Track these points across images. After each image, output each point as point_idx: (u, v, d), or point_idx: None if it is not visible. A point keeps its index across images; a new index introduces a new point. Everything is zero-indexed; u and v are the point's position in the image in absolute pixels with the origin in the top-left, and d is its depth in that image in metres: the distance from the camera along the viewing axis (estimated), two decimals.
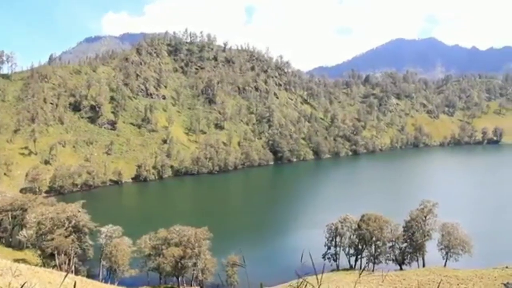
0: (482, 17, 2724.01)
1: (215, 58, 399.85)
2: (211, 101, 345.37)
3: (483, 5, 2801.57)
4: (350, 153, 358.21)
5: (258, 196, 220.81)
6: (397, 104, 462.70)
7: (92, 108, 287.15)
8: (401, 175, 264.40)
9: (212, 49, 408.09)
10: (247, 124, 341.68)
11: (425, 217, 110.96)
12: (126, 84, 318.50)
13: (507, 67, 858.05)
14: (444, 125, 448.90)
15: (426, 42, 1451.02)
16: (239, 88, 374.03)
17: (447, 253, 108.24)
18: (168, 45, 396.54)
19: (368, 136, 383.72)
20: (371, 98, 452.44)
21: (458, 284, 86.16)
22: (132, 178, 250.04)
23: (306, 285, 6.91)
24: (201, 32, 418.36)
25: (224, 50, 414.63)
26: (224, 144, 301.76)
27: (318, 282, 7.02)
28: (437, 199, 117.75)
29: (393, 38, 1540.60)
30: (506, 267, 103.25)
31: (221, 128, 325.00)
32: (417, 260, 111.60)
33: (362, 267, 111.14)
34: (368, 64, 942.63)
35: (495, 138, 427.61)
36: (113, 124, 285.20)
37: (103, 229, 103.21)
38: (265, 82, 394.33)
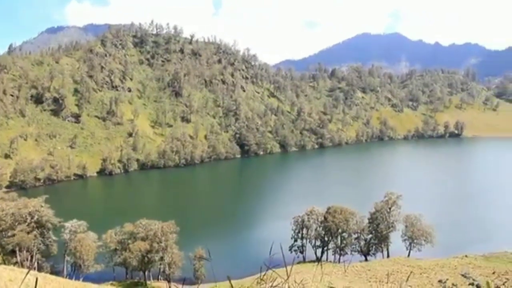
0: (444, 14, 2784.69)
1: (182, 51, 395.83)
2: (177, 94, 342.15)
3: (446, 3, 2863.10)
4: (316, 146, 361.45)
5: (225, 190, 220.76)
6: (363, 97, 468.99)
7: (55, 100, 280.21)
8: (367, 168, 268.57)
9: (178, 41, 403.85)
10: (214, 117, 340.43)
11: (390, 209, 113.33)
12: (90, 76, 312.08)
13: (468, 63, 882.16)
14: (408, 119, 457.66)
15: (391, 37, 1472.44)
16: (205, 81, 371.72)
17: (410, 243, 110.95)
18: (134, 36, 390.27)
19: (334, 129, 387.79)
20: (337, 91, 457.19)
21: (421, 274, 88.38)
22: (97, 172, 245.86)
23: (276, 277, 6.85)
24: (167, 24, 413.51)
25: (190, 43, 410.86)
26: (191, 137, 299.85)
27: (287, 274, 6.98)
28: (401, 191, 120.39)
29: (359, 32, 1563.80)
30: (466, 256, 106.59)
31: (188, 121, 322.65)
32: (382, 251, 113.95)
33: (328, 259, 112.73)
34: (335, 58, 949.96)
35: (456, 132, 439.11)
36: (77, 117, 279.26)
37: (67, 224, 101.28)
38: (232, 75, 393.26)
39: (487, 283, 5.33)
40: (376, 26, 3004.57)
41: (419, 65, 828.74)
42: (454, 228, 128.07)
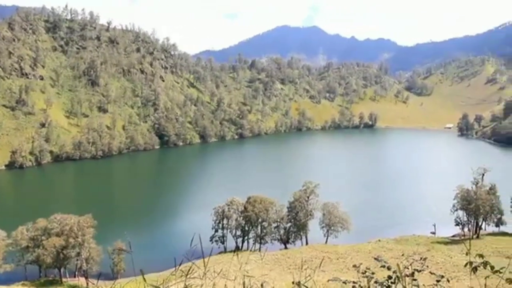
0: (360, 10, 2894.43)
1: (98, 38, 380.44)
2: (93, 83, 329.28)
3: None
4: (236, 136, 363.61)
5: (144, 181, 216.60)
6: (282, 89, 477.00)
7: None
8: (286, 157, 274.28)
9: (94, 28, 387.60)
10: (132, 107, 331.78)
11: (308, 197, 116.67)
12: None
13: (381, 58, 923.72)
14: (325, 110, 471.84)
15: (309, 30, 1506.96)
16: (123, 70, 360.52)
17: (328, 230, 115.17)
18: (46, 21, 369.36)
19: (253, 120, 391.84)
20: (256, 83, 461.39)
21: (337, 259, 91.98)
22: (6, 165, 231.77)
23: (194, 269, 6.79)
24: (82, 10, 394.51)
25: (107, 30, 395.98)
26: (108, 128, 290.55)
27: (204, 265, 6.97)
28: (319, 180, 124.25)
29: (279, 24, 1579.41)
30: (379, 240, 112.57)
31: (105, 111, 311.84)
32: (301, 239, 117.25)
33: (249, 248, 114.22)
34: (254, 49, 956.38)
35: (370, 123, 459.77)
36: None
37: None
38: (151, 65, 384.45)
39: (397, 265, 5.80)
40: (296, 19, 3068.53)
41: (336, 58, 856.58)
42: (368, 215, 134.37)
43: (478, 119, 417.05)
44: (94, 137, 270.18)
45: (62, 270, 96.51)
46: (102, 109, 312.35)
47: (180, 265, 7.10)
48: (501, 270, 5.18)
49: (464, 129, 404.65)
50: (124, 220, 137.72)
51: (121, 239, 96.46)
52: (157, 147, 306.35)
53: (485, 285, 5.65)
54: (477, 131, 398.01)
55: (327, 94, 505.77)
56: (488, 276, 5.39)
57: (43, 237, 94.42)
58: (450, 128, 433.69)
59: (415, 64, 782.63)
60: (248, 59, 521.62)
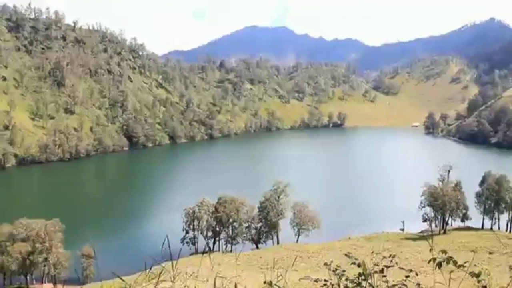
0: (328, 10, 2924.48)
1: (64, 38, 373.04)
2: (59, 84, 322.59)
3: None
4: (205, 137, 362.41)
5: (113, 183, 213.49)
6: (251, 89, 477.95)
7: None
8: (256, 157, 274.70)
9: (60, 27, 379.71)
10: (100, 108, 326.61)
11: (278, 197, 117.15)
12: None
13: (349, 57, 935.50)
14: (295, 110, 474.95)
15: (278, 30, 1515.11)
16: (90, 71, 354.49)
17: (298, 229, 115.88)
18: (8, 20, 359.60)
19: (223, 120, 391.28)
20: (226, 83, 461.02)
21: (309, 258, 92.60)
22: None
23: (164, 271, 6.72)
24: (47, 8, 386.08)
25: (73, 30, 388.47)
26: (75, 129, 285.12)
27: (172, 268, 6.93)
28: (289, 179, 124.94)
29: (247, 25, 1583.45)
30: (349, 238, 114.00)
31: (72, 112, 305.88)
32: (272, 238, 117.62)
33: (220, 249, 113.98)
34: (224, 49, 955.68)
35: (339, 122, 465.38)
36: None
37: None
38: (119, 65, 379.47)
39: (363, 262, 5.91)
40: (265, 19, 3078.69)
41: (304, 58, 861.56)
42: (339, 213, 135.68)
43: (444, 117, 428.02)
44: (61, 139, 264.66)
45: (28, 276, 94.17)
46: (68, 111, 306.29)
47: (150, 268, 7.01)
48: (464, 265, 5.38)
49: (430, 128, 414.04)
50: (93, 224, 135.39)
51: (89, 243, 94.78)
52: (126, 148, 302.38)
53: (450, 279, 5.81)
54: (442, 129, 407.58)
55: (296, 94, 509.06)
56: (452, 271, 5.59)
57: (7, 243, 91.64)
58: (417, 126, 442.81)
59: (382, 64, 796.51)
60: (217, 59, 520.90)
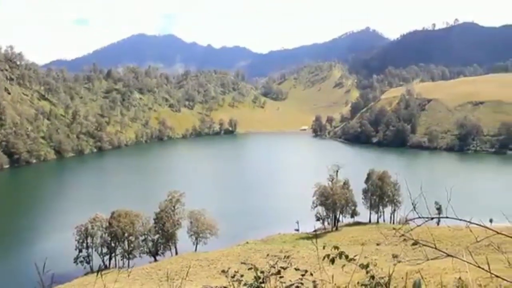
0: (215, 17, 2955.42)
1: None
2: None
3: (214, 7, 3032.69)
4: (95, 150, 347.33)
5: None
6: (140, 98, 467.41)
7: None
8: (148, 168, 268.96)
9: None
10: None
11: (174, 207, 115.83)
12: None
13: (238, 65, 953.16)
14: (186, 118, 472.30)
15: (166, 39, 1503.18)
16: None
17: (196, 238, 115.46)
18: None
19: (112, 131, 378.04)
20: (114, 93, 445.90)
21: (208, 265, 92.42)
22: None
23: None
24: None
25: None
26: None
27: None
28: (183, 188, 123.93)
29: (134, 33, 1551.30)
30: (247, 242, 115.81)
31: None
32: (170, 249, 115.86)
33: (117, 265, 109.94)
34: (110, 58, 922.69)
35: (230, 129, 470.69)
36: None
37: None
38: None
39: (253, 265, 6.22)
40: (151, 27, 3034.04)
41: (193, 66, 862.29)
42: (236, 218, 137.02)
43: (330, 120, 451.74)
44: None
45: None
46: None
47: None
48: (354, 258, 5.85)
49: (318, 130, 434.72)
50: None
51: None
52: (6, 166, 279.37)
53: (344, 271, 6.07)
54: (329, 132, 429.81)
55: (187, 102, 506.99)
56: (344, 265, 5.95)
57: None
58: (305, 130, 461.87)
59: (270, 71, 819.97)
60: (103, 68, 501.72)
